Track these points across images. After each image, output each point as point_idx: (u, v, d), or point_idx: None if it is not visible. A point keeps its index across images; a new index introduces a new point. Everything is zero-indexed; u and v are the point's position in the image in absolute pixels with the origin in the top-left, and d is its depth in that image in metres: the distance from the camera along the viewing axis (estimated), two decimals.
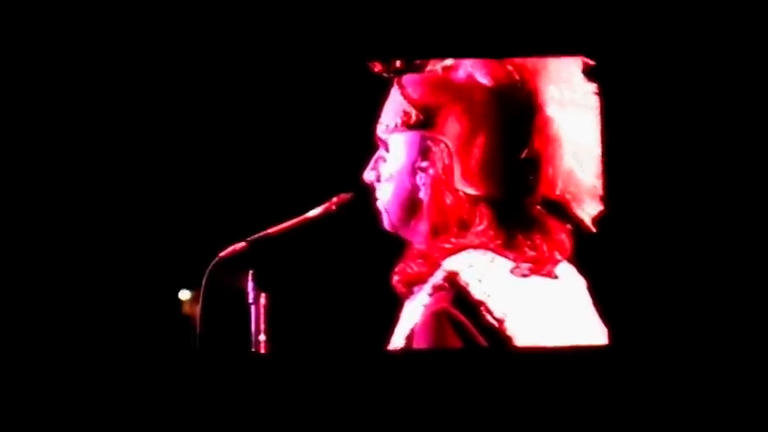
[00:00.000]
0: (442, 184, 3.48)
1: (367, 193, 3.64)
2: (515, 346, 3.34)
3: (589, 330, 3.52)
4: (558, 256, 3.51)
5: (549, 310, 3.43)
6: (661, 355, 3.85)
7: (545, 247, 3.48)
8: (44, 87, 3.96)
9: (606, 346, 3.58)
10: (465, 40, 3.85)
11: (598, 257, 3.58)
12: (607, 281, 3.59)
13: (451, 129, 3.50)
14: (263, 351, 3.61)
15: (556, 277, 3.49)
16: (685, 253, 3.90)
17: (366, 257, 3.73)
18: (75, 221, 3.94)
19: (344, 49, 3.91)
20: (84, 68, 3.97)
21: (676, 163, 3.92)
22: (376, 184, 3.61)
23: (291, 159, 3.88)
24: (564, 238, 3.52)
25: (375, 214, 3.64)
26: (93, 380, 3.89)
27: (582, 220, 3.51)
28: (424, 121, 3.52)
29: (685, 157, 3.92)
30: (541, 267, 3.46)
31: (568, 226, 3.53)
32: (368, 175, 3.62)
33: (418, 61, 3.63)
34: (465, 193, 3.47)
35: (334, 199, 3.62)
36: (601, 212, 3.54)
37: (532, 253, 3.47)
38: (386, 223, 3.61)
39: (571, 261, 3.54)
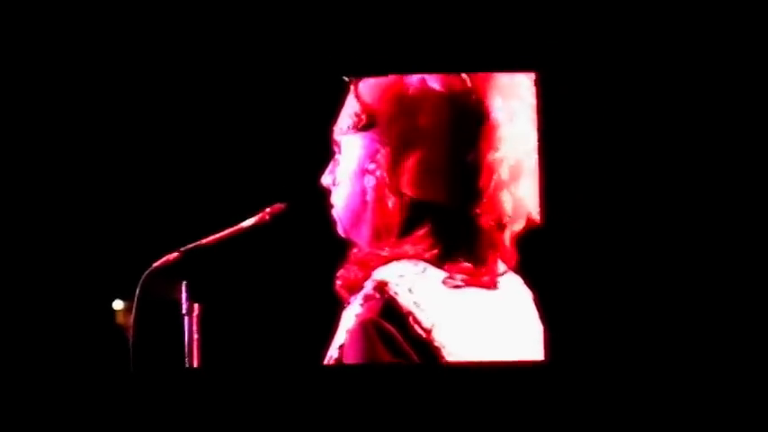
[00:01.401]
0: (386, 186, 3.50)
1: (310, 199, 3.63)
2: (447, 363, 3.33)
3: (524, 343, 3.51)
4: (503, 267, 3.50)
5: (483, 320, 3.43)
6: (596, 372, 3.84)
7: (486, 258, 3.47)
8: None
9: (542, 362, 3.57)
10: (420, 55, 3.86)
11: (545, 270, 3.59)
12: (552, 294, 3.59)
13: (399, 132, 3.51)
14: (195, 361, 3.59)
15: (496, 288, 3.48)
16: (631, 264, 3.91)
17: (303, 266, 3.71)
18: (11, 229, 3.91)
19: (307, 58, 3.90)
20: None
21: (618, 175, 3.93)
22: (332, 188, 3.60)
23: (227, 167, 3.87)
24: (510, 248, 3.52)
25: (316, 222, 3.63)
26: (26, 389, 3.86)
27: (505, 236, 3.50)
28: (372, 124, 3.53)
29: (629, 169, 3.93)
30: (478, 278, 3.45)
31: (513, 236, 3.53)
32: (325, 179, 3.63)
33: None
34: (408, 197, 3.47)
35: (268, 209, 3.60)
36: (522, 230, 3.53)
37: (468, 264, 3.46)
38: (339, 229, 3.61)
39: (518, 272, 3.54)
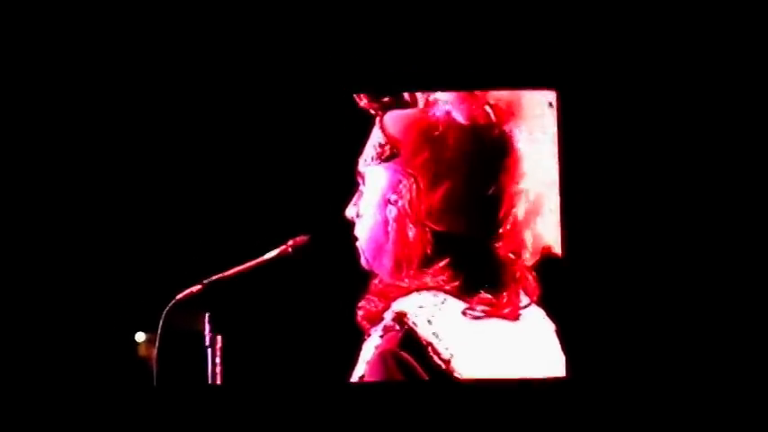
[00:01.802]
0: (407, 217, 3.51)
1: (333, 231, 3.65)
2: (461, 379, 3.33)
3: (546, 374, 3.51)
4: (525, 299, 3.51)
5: (503, 352, 3.44)
6: (623, 396, 3.84)
7: (507, 289, 3.48)
8: None
9: (563, 378, 3.58)
10: (441, 73, 3.87)
11: (568, 302, 3.60)
12: (575, 325, 3.60)
13: (422, 163, 3.53)
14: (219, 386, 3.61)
15: (517, 319, 3.49)
16: (653, 296, 3.91)
17: (321, 299, 3.73)
18: (34, 263, 3.93)
19: (329, 83, 3.92)
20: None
21: (640, 199, 3.94)
22: (356, 220, 3.62)
23: (247, 201, 3.89)
24: (532, 280, 3.53)
25: (339, 254, 3.65)
26: (49, 420, 3.87)
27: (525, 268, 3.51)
28: (396, 155, 3.55)
29: (650, 198, 3.94)
30: (499, 310, 3.46)
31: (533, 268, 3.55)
32: (349, 211, 3.65)
33: (406, 98, 3.67)
34: (429, 228, 3.49)
35: (290, 242, 3.62)
36: (540, 262, 3.55)
37: (489, 296, 3.47)
38: (362, 261, 3.62)
39: (540, 305, 3.55)
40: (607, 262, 3.88)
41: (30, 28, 4.00)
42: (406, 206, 3.49)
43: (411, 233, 3.48)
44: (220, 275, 3.60)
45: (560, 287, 3.59)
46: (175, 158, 3.91)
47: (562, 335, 3.58)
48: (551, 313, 3.58)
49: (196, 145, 3.93)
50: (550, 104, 3.57)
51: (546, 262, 3.60)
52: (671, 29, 3.97)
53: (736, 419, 3.79)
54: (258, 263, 3.61)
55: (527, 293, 3.51)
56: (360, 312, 3.53)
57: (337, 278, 3.66)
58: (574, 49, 3.93)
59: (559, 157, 3.65)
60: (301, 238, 3.62)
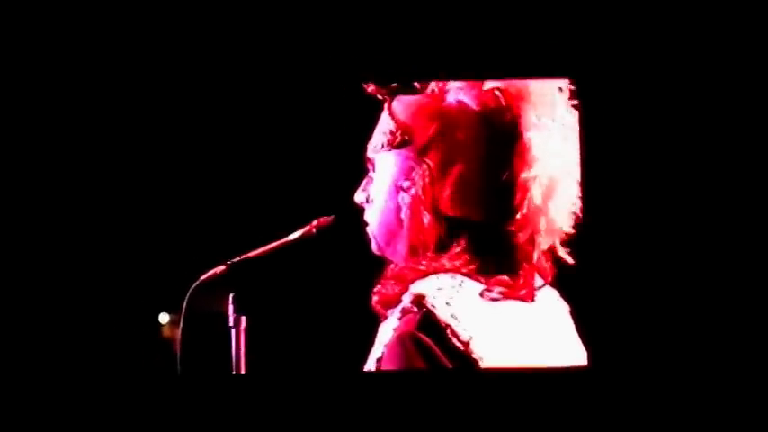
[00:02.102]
0: (421, 204, 3.50)
1: (350, 215, 3.65)
2: (484, 368, 3.34)
3: (563, 355, 3.52)
4: (539, 281, 3.52)
5: (521, 333, 3.44)
6: (639, 381, 3.85)
7: (522, 271, 3.49)
8: None
9: (585, 367, 3.59)
10: (453, 62, 3.87)
11: (581, 284, 3.60)
12: (589, 307, 3.61)
13: (434, 150, 3.52)
14: (243, 373, 3.62)
15: (533, 301, 3.50)
16: (667, 281, 3.92)
17: (345, 280, 3.73)
18: (56, 243, 3.94)
19: (339, 70, 3.93)
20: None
21: (655, 190, 3.94)
22: (365, 205, 3.62)
23: (274, 181, 3.90)
24: (545, 263, 3.54)
25: (356, 238, 3.65)
26: (74, 403, 3.88)
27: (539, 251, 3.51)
28: (408, 142, 3.55)
29: (665, 185, 3.94)
30: (516, 291, 3.46)
31: (559, 250, 3.55)
32: (358, 197, 3.64)
33: (414, 83, 3.67)
34: (444, 214, 3.49)
35: (314, 222, 3.63)
36: (551, 247, 3.54)
37: (506, 278, 3.47)
38: (373, 247, 3.62)
39: (554, 286, 3.56)
40: (623, 246, 3.90)
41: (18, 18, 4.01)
42: (420, 193, 3.49)
43: (426, 219, 3.48)
44: (244, 256, 3.61)
45: (574, 268, 3.58)
46: (202, 142, 3.92)
47: (576, 316, 3.56)
48: (565, 295, 3.57)
49: (222, 128, 3.93)
50: (560, 89, 3.56)
51: (561, 244, 3.58)
52: (686, 14, 3.97)
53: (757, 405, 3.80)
54: (282, 243, 3.63)
55: (541, 275, 3.51)
56: (375, 297, 3.52)
57: (359, 260, 3.65)
58: (587, 37, 3.93)
59: (580, 143, 3.64)
60: (325, 219, 3.64)
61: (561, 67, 3.79)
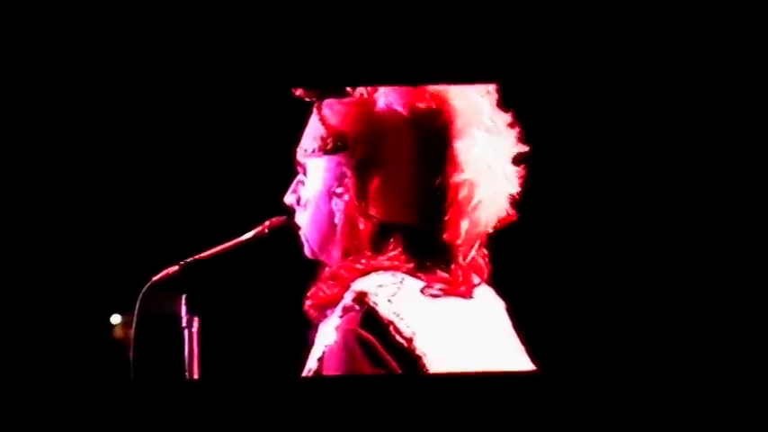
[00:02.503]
0: (355, 209, 3.49)
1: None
2: (430, 373, 3.34)
3: (505, 350, 3.54)
4: (476, 279, 3.54)
5: (463, 328, 3.45)
6: (582, 381, 3.87)
7: (459, 269, 3.50)
8: None
9: (532, 372, 3.60)
10: (379, 67, 3.87)
11: (516, 282, 3.62)
12: (524, 304, 3.63)
13: (366, 155, 3.50)
14: (196, 375, 3.60)
15: (471, 297, 3.51)
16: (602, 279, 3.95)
17: (298, 280, 3.73)
18: (9, 241, 3.91)
19: (266, 75, 3.91)
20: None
21: (588, 186, 3.97)
22: (296, 207, 3.62)
23: (223, 182, 3.89)
24: (481, 262, 3.55)
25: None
26: (23, 406, 3.85)
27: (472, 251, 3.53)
28: (339, 147, 3.53)
29: (599, 177, 3.97)
30: (455, 288, 3.47)
31: (484, 250, 3.56)
32: (288, 198, 3.63)
33: (345, 89, 3.65)
34: (377, 219, 3.48)
35: (267, 222, 3.63)
36: (477, 246, 3.55)
37: (445, 275, 3.48)
38: (306, 251, 3.61)
39: (489, 284, 3.58)
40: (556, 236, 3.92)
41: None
42: (354, 199, 3.48)
43: (360, 224, 3.47)
44: (197, 257, 3.60)
45: (508, 266, 3.60)
46: (151, 139, 3.91)
47: (513, 312, 3.58)
48: (500, 292, 3.58)
49: (171, 124, 3.92)
50: (488, 92, 3.56)
51: (497, 243, 3.59)
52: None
53: (720, 396, 3.82)
54: (235, 244, 3.62)
55: (477, 274, 3.53)
56: (308, 301, 3.50)
57: (310, 260, 3.64)
58: (514, 40, 3.94)
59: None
60: (277, 219, 3.63)
61: (487, 71, 3.80)
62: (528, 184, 3.62)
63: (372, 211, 3.48)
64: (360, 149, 3.50)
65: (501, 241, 3.58)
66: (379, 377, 3.33)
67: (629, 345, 3.93)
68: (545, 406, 3.76)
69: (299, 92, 3.61)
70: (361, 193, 3.48)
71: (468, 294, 3.49)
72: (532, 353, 3.58)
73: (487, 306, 3.54)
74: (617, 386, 3.84)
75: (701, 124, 4.01)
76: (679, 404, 3.84)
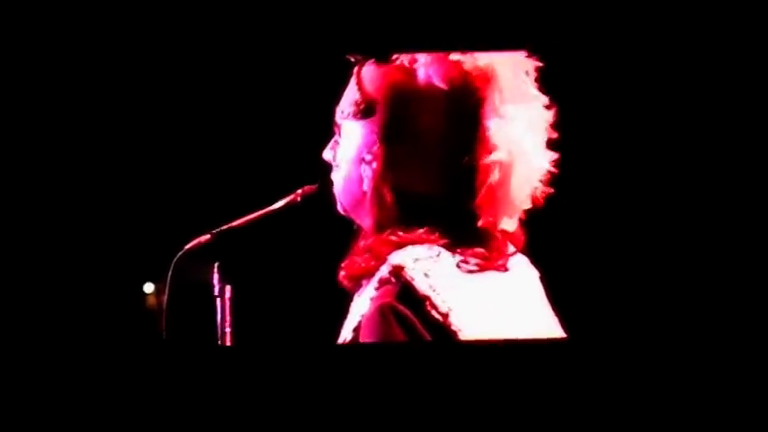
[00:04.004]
0: (381, 178, 3.47)
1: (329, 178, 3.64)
2: (464, 340, 3.32)
3: (540, 322, 3.52)
4: (511, 248, 3.52)
5: (499, 303, 3.43)
6: (613, 347, 3.86)
7: (494, 243, 3.48)
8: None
9: (562, 339, 3.59)
10: (414, 34, 3.84)
11: (551, 249, 3.61)
12: (559, 272, 3.61)
13: (396, 124, 3.48)
14: (228, 343, 3.61)
15: (507, 270, 3.49)
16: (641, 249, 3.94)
17: (330, 248, 3.73)
18: (39, 213, 3.93)
19: (307, 40, 3.90)
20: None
21: (626, 166, 3.95)
22: (333, 164, 3.60)
23: (257, 149, 3.89)
24: (516, 230, 3.53)
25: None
26: (57, 374, 3.88)
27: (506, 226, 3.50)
28: (371, 113, 3.51)
29: (636, 156, 3.95)
30: (492, 263, 3.45)
31: (520, 221, 3.53)
32: (326, 154, 3.61)
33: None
34: (406, 191, 3.46)
35: (299, 191, 3.62)
36: (515, 231, 3.53)
37: (482, 250, 3.46)
38: (339, 207, 3.60)
39: (525, 253, 3.56)
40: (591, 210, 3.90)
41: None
42: (381, 169, 3.46)
43: (388, 196, 3.45)
44: (229, 225, 3.61)
45: (544, 234, 3.58)
46: (185, 110, 3.91)
47: (547, 281, 3.56)
48: (535, 261, 3.56)
49: (201, 100, 3.92)
50: (527, 73, 3.52)
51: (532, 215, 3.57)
52: None
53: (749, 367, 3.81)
54: (267, 212, 3.62)
55: (513, 243, 3.50)
56: (342, 272, 3.49)
57: (344, 227, 3.64)
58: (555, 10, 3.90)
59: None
60: (310, 188, 3.62)
61: (528, 40, 3.76)
62: (564, 157, 3.61)
63: (399, 182, 3.46)
64: (390, 117, 3.47)
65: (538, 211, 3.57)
66: (414, 344, 3.32)
67: (660, 314, 3.92)
68: (572, 373, 3.75)
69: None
70: (389, 162, 3.46)
71: (504, 267, 3.48)
72: (564, 322, 3.58)
73: (522, 276, 3.52)
74: (645, 355, 3.83)
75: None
76: (707, 376, 3.83)
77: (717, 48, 3.94)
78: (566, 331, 3.56)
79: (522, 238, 3.54)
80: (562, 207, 3.65)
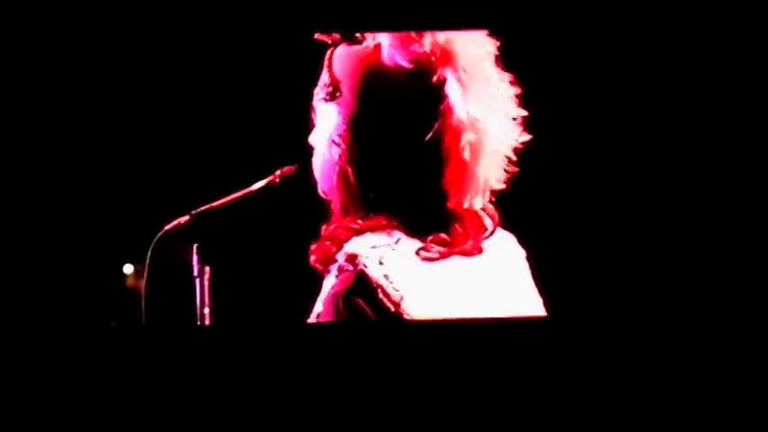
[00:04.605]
0: (346, 160, 3.50)
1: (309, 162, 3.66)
2: (413, 320, 3.33)
3: (517, 304, 3.52)
4: (489, 227, 3.51)
5: (463, 290, 3.43)
6: (597, 331, 3.87)
7: (463, 224, 3.48)
8: None
9: (543, 317, 3.59)
10: (377, 13, 3.84)
11: (539, 228, 3.62)
12: (547, 251, 3.62)
13: (361, 105, 3.50)
14: (207, 323, 3.63)
15: (480, 252, 3.48)
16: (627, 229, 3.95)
17: (309, 229, 3.74)
18: (18, 197, 3.93)
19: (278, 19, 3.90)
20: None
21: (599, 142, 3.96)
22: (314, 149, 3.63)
23: (234, 130, 3.90)
24: (490, 209, 3.53)
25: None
26: (38, 354, 3.89)
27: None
28: (342, 96, 3.53)
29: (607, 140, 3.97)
30: (457, 247, 3.45)
31: (490, 199, 3.54)
32: (311, 138, 3.64)
33: (356, 35, 3.65)
34: (372, 173, 3.48)
35: (278, 172, 3.64)
36: (484, 206, 3.54)
37: (445, 236, 3.46)
38: (319, 190, 3.62)
39: (510, 230, 3.56)
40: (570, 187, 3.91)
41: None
42: (348, 151, 3.48)
43: (353, 176, 3.47)
44: (208, 206, 3.62)
45: (532, 214, 3.60)
46: (159, 95, 3.91)
47: (533, 260, 3.57)
48: (521, 239, 3.57)
49: (183, 76, 3.92)
50: (488, 53, 3.54)
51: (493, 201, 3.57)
52: None
53: (729, 348, 3.83)
54: (246, 193, 3.63)
55: (488, 222, 3.50)
56: (312, 256, 3.52)
57: (323, 207, 3.66)
58: None
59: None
60: (288, 168, 3.64)
61: (482, 17, 3.77)
62: (533, 135, 3.61)
63: (364, 163, 3.48)
64: (356, 98, 3.49)
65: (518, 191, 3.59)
66: (367, 324, 3.33)
67: (644, 294, 3.93)
68: (547, 354, 3.75)
69: (318, 35, 3.61)
70: (354, 142, 3.49)
71: (475, 250, 3.47)
72: (549, 302, 3.58)
73: (501, 258, 3.52)
74: (630, 340, 3.85)
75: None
76: (688, 359, 3.86)
77: (685, 26, 3.96)
78: (549, 312, 3.57)
79: (497, 216, 3.55)
80: (548, 188, 3.67)
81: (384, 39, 3.57)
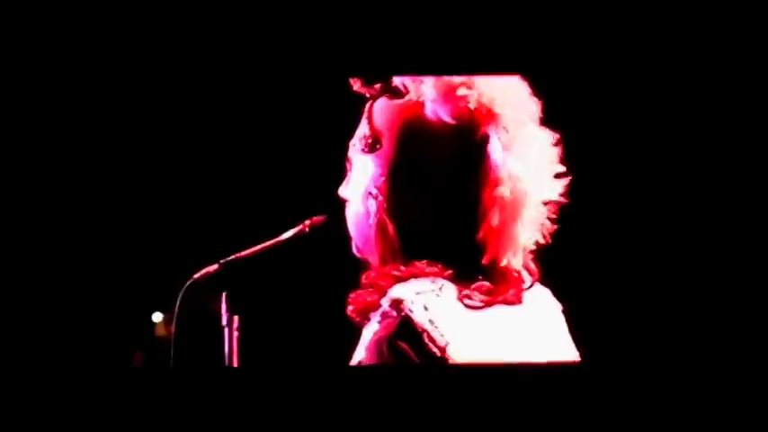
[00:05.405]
0: (384, 212, 3.49)
1: (343, 214, 3.65)
2: (460, 364, 3.30)
3: (555, 356, 3.50)
4: (527, 282, 3.50)
5: (505, 337, 3.41)
6: (634, 380, 3.84)
7: (505, 275, 3.46)
8: None
9: (572, 363, 3.56)
10: (410, 58, 3.83)
11: (574, 283, 3.59)
12: (582, 306, 3.59)
13: (401, 158, 3.49)
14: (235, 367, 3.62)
15: (520, 302, 3.47)
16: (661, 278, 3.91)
17: (338, 278, 3.73)
18: (49, 243, 3.95)
19: (317, 64, 3.90)
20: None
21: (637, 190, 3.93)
22: (347, 202, 3.62)
23: (265, 180, 3.90)
24: (531, 265, 3.51)
25: (349, 237, 3.65)
26: (67, 400, 3.88)
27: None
28: (378, 147, 3.53)
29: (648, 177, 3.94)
30: (498, 295, 3.43)
31: (531, 255, 3.52)
32: (341, 191, 3.63)
33: (397, 86, 3.64)
34: (408, 226, 3.46)
35: (307, 221, 3.63)
36: (527, 266, 3.52)
37: (486, 283, 3.44)
38: (353, 248, 3.61)
39: (546, 285, 3.54)
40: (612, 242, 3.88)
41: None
42: (385, 202, 3.47)
43: (391, 229, 3.46)
44: (237, 255, 3.62)
45: (560, 267, 3.57)
46: (191, 144, 3.93)
47: (569, 315, 3.54)
48: (557, 293, 3.54)
49: (211, 131, 3.94)
50: (533, 113, 3.51)
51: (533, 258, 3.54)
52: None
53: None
54: (275, 243, 3.62)
55: (527, 276, 3.48)
56: (350, 307, 3.49)
57: (353, 257, 3.64)
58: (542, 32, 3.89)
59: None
60: (318, 218, 3.63)
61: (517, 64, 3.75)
62: (571, 189, 3.59)
63: (403, 216, 3.47)
64: (396, 151, 3.49)
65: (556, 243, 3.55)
66: (409, 367, 3.30)
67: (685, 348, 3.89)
68: (579, 401, 3.72)
69: (356, 86, 3.61)
70: (393, 195, 3.48)
71: (516, 300, 3.46)
72: (588, 355, 3.55)
73: (539, 310, 3.50)
74: (665, 390, 3.81)
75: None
76: (728, 408, 3.82)
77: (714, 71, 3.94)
78: (584, 361, 3.53)
79: (537, 271, 3.53)
80: (581, 239, 3.65)
81: (427, 92, 3.56)
